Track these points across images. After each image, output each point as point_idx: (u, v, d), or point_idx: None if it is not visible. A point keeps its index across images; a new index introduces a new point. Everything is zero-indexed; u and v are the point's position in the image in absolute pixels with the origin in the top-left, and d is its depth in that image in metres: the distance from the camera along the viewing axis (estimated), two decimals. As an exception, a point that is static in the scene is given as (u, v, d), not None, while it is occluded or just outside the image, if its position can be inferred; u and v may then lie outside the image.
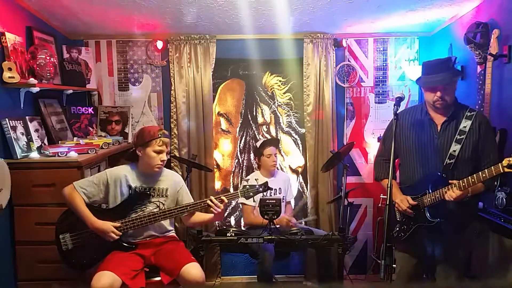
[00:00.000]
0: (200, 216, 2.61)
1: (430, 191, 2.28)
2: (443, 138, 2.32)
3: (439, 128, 2.34)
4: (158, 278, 2.44)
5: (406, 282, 2.45)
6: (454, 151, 2.27)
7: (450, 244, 2.33)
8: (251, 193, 2.52)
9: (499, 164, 2.00)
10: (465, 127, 2.28)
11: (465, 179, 2.14)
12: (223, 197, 2.46)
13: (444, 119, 2.33)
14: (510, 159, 1.97)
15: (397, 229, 2.42)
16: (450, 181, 2.20)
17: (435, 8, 3.05)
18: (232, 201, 3.96)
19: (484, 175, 2.06)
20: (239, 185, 3.89)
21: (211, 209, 2.44)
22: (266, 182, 2.60)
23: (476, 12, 2.95)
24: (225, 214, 3.97)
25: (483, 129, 2.27)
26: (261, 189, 2.53)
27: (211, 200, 2.44)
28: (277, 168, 3.71)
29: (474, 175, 2.11)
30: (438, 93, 2.26)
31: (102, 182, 2.48)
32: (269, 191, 3.39)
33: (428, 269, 2.57)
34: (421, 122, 2.39)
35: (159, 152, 2.47)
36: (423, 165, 2.36)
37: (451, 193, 2.17)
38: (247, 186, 2.53)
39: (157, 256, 2.49)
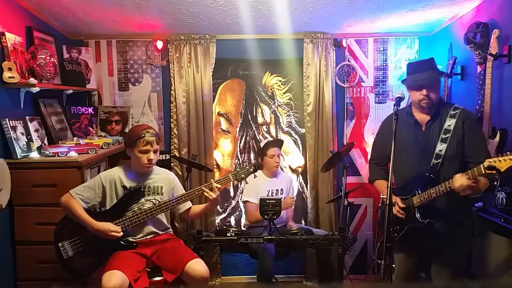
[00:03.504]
0: (198, 208, 2.67)
1: (419, 191, 2.28)
2: (428, 138, 2.31)
3: (423, 128, 2.34)
4: (158, 278, 2.44)
5: (404, 281, 2.45)
6: (440, 150, 2.26)
7: (442, 244, 2.32)
8: (242, 175, 2.53)
9: (481, 165, 2.00)
10: (449, 126, 2.27)
11: (450, 180, 2.12)
12: (216, 184, 2.47)
13: (428, 119, 2.33)
14: (491, 160, 1.96)
15: (391, 230, 2.41)
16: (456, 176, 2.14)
17: (435, 8, 3.06)
18: (232, 201, 3.97)
19: (467, 176, 2.06)
20: (239, 185, 3.89)
21: (207, 195, 2.47)
22: (256, 163, 2.62)
23: (476, 12, 2.95)
24: (225, 214, 3.97)
25: (468, 126, 2.26)
26: (251, 169, 2.55)
27: (205, 187, 2.47)
28: (282, 169, 3.72)
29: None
30: (424, 91, 2.25)
31: (97, 185, 2.48)
32: (271, 191, 3.41)
33: (424, 268, 2.57)
34: (407, 123, 2.39)
35: (144, 152, 2.45)
36: (410, 166, 2.35)
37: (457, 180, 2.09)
38: (238, 169, 2.56)
39: (158, 256, 2.50)
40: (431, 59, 2.40)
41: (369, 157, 3.74)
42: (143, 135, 2.43)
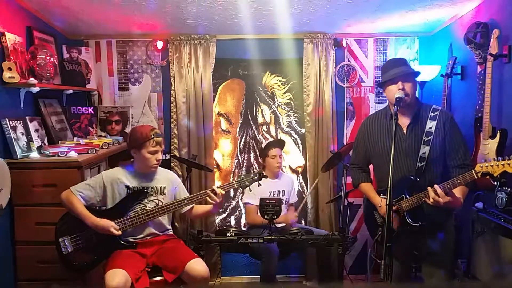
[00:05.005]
0: (201, 208, 2.68)
1: (407, 196, 2.26)
2: (410, 141, 2.31)
3: (405, 130, 2.33)
4: (159, 278, 2.44)
5: (398, 283, 2.44)
6: (424, 153, 2.26)
7: (430, 245, 2.31)
8: (246, 182, 2.54)
9: (473, 170, 2.02)
10: (430, 128, 2.27)
11: (440, 185, 2.11)
12: (219, 190, 2.47)
13: (408, 122, 2.32)
14: (482, 165, 1.97)
15: (379, 233, 2.39)
16: (429, 188, 2.14)
17: (435, 8, 3.06)
18: (232, 201, 3.97)
19: (459, 181, 2.07)
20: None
21: (210, 200, 2.48)
22: (261, 171, 2.62)
23: (476, 12, 2.95)
24: (225, 214, 3.97)
25: (448, 126, 2.27)
26: (256, 177, 2.55)
27: (211, 191, 2.47)
28: (282, 170, 3.71)
29: (450, 181, 2.10)
30: (400, 84, 2.25)
31: (98, 184, 2.48)
32: (273, 193, 3.41)
33: (418, 269, 2.57)
34: (387, 126, 2.38)
35: (153, 153, 2.48)
36: (394, 169, 2.27)
37: (436, 194, 2.11)
38: (242, 176, 2.56)
39: (158, 256, 2.50)
40: (403, 59, 2.44)
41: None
42: (152, 136, 2.46)
